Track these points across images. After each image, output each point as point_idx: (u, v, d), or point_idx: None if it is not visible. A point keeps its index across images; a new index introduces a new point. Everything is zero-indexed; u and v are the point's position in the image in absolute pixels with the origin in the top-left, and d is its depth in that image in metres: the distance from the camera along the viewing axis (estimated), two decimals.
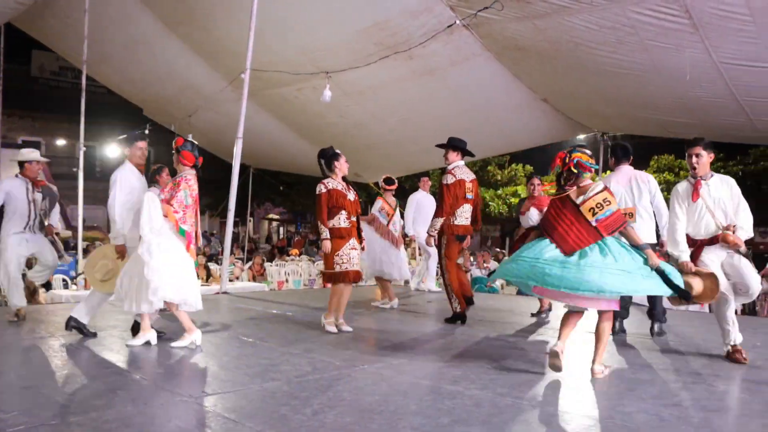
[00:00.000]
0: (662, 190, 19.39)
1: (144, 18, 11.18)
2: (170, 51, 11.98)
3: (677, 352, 5.64)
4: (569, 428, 3.46)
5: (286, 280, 14.34)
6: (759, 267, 14.58)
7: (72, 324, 5.82)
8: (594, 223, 4.60)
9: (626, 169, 6.38)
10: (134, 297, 5.28)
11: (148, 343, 5.45)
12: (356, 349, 5.68)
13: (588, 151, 4.88)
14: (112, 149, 25.59)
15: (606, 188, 4.77)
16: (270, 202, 29.10)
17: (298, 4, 9.67)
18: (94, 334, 5.84)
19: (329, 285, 6.55)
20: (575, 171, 4.71)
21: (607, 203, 4.65)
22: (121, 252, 5.70)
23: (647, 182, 6.33)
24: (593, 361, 4.69)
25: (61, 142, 29.52)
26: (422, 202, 9.92)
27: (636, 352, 5.64)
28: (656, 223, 6.33)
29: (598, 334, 4.71)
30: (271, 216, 34.10)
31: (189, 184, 5.43)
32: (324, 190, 6.31)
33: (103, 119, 25.97)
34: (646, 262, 4.51)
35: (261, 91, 11.85)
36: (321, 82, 10.85)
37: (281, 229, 35.79)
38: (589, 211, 4.63)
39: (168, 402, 3.83)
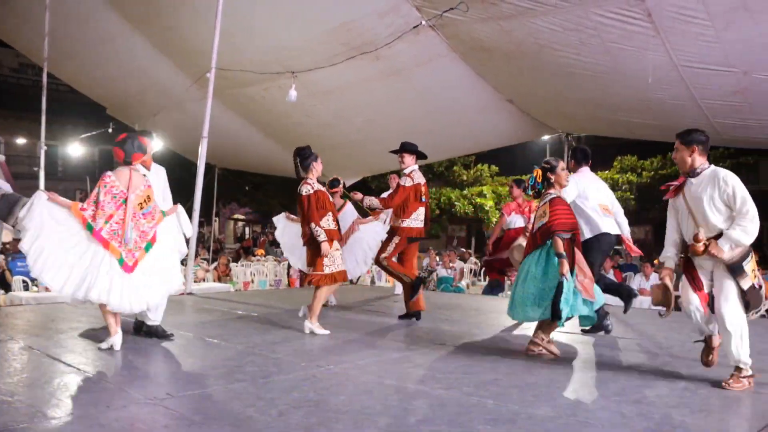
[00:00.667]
0: (626, 191, 19.74)
1: (107, 15, 11.01)
2: (134, 49, 11.82)
3: (639, 349, 5.73)
4: (533, 426, 3.50)
5: (252, 281, 14.27)
6: None
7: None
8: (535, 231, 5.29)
9: (589, 171, 6.61)
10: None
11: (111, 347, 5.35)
12: (321, 349, 5.67)
13: (549, 164, 5.38)
14: (74, 148, 25.15)
15: (551, 201, 5.23)
16: (236, 203, 28.89)
17: (265, 3, 9.62)
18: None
19: (304, 286, 6.53)
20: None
21: (542, 215, 5.20)
22: None
23: (605, 184, 6.82)
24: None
25: (21, 140, 28.89)
26: None
27: (599, 350, 5.72)
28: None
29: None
30: (236, 216, 33.88)
31: (105, 181, 5.30)
32: (312, 191, 6.24)
33: (66, 118, 25.50)
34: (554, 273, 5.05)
35: (227, 91, 11.77)
36: (287, 82, 10.81)
37: (247, 229, 35.57)
38: (536, 220, 5.33)
39: (131, 404, 3.78)
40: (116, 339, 5.28)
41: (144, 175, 5.51)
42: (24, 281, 10.98)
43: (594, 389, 4.33)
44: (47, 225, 5.09)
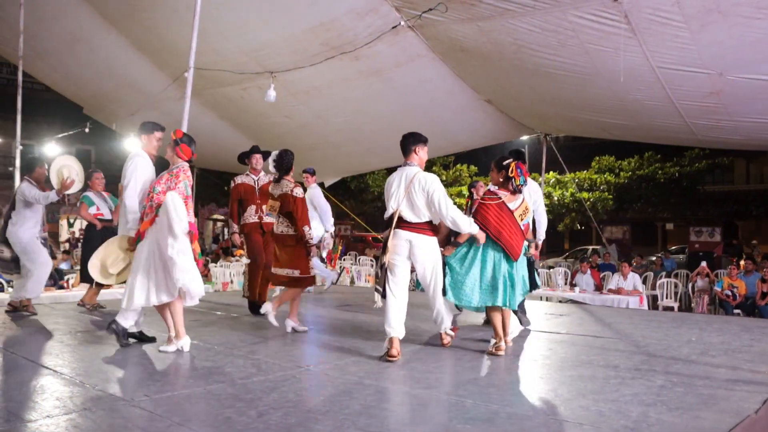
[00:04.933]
0: (604, 191, 19.80)
1: (84, 13, 10.89)
2: (111, 48, 11.70)
3: (617, 348, 5.78)
4: (512, 425, 3.52)
5: (231, 281, 14.18)
6: (694, 265, 15.08)
7: (114, 328, 5.47)
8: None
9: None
10: (155, 289, 5.25)
11: (180, 350, 5.40)
12: (301, 350, 5.66)
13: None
14: (50, 148, 24.87)
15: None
16: (215, 203, 28.73)
17: (243, 2, 9.57)
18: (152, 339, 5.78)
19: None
20: None
21: (526, 211, 5.65)
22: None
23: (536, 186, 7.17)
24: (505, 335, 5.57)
25: None
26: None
27: (577, 349, 5.76)
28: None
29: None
30: (215, 216, 33.70)
31: (187, 174, 5.39)
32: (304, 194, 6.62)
33: (42, 117, 25.24)
34: None
35: (205, 91, 11.71)
36: (266, 82, 10.76)
37: (225, 230, 35.40)
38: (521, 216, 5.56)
39: (109, 406, 3.75)
40: (186, 341, 5.45)
41: None
42: None
43: (572, 388, 4.36)
44: None
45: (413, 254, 5.25)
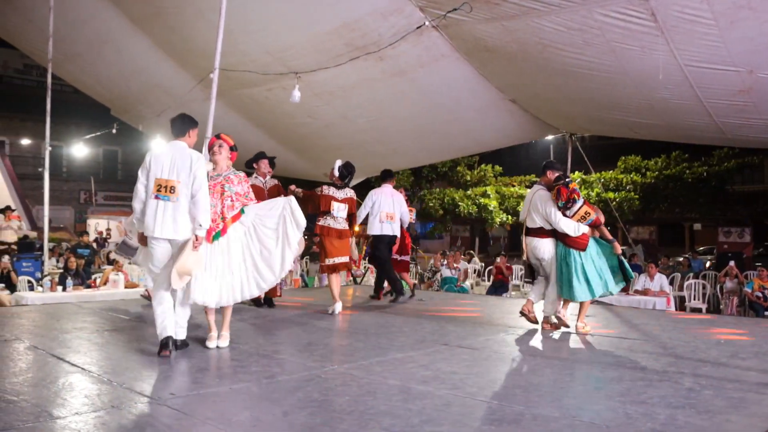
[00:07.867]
0: (630, 191, 19.60)
1: (111, 16, 11.03)
2: (138, 50, 11.83)
3: (644, 350, 5.72)
4: (538, 426, 3.49)
5: None
6: (722, 266, 14.88)
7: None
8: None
9: (389, 187, 9.01)
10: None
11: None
12: (325, 349, 5.67)
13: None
14: (78, 149, 25.21)
15: (585, 201, 6.45)
16: None
17: (268, 3, 9.62)
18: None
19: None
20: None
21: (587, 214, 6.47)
22: None
23: (401, 198, 9.07)
24: (578, 320, 6.53)
25: (26, 141, 28.97)
26: None
27: (603, 350, 5.71)
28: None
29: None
30: None
31: None
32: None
33: (70, 118, 25.57)
34: None
35: (230, 92, 11.77)
36: (291, 83, 10.79)
37: None
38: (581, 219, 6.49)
39: (136, 404, 3.79)
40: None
41: None
42: (29, 281, 11.01)
43: (599, 390, 4.32)
44: None
45: (533, 253, 6.62)
